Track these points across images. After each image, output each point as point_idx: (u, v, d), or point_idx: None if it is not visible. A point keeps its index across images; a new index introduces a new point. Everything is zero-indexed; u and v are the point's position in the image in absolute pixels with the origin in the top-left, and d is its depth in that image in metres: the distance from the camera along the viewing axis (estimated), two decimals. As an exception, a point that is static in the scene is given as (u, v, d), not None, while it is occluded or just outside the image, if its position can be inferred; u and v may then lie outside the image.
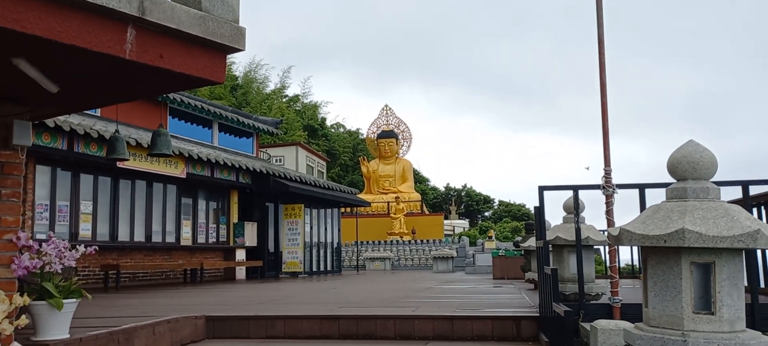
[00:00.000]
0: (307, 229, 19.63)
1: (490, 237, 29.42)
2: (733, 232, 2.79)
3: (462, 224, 47.43)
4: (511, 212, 54.68)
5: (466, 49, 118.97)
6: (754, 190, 6.85)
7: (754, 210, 8.24)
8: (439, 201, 56.02)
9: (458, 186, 61.45)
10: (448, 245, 30.20)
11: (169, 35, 3.17)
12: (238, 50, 3.52)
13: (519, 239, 18.74)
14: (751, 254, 6.40)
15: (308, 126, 43.75)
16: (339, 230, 22.59)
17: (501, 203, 59.70)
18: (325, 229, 21.38)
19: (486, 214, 59.84)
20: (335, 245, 22.15)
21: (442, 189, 60.53)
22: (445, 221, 40.30)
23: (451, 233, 41.02)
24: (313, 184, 20.18)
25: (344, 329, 6.41)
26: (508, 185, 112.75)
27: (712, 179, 3.13)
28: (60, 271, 4.55)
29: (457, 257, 25.07)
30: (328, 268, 21.35)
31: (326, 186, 21.35)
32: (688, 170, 3.05)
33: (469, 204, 59.64)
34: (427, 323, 6.32)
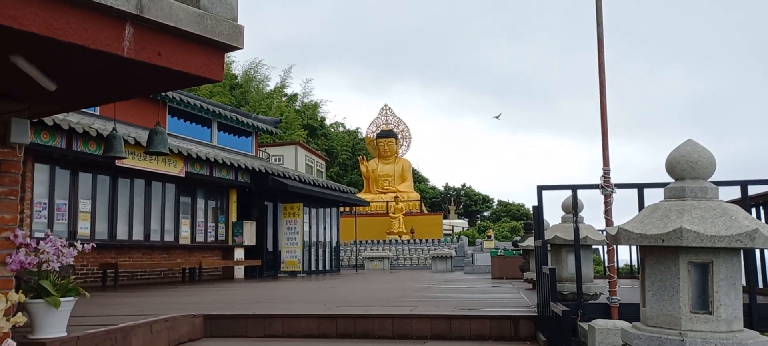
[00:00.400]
0: (306, 228, 19.62)
1: (489, 237, 29.42)
2: (731, 231, 2.79)
3: (461, 224, 47.47)
4: (510, 211, 54.68)
5: (465, 49, 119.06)
6: (753, 190, 6.84)
7: (753, 210, 8.23)
8: (438, 201, 56.03)
9: (457, 186, 61.51)
10: (447, 244, 30.20)
11: (167, 33, 3.16)
12: (236, 48, 3.51)
13: (517, 238, 18.74)
14: (749, 254, 6.40)
15: (308, 125, 43.74)
16: (338, 230, 22.57)
17: (500, 202, 59.70)
18: (324, 228, 21.35)
19: (485, 214, 59.86)
20: (334, 245, 22.13)
21: (441, 189, 60.54)
22: (444, 221, 40.29)
23: (450, 232, 41.05)
24: (312, 183, 20.17)
25: (342, 328, 6.40)
26: (507, 185, 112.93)
27: (710, 179, 3.13)
28: (57, 269, 4.54)
29: (455, 257, 25.06)
30: (327, 267, 21.34)
31: (325, 185, 21.34)
32: (687, 170, 3.05)
33: (468, 204, 59.66)
34: (424, 323, 6.32)
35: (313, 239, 20.38)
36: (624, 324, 3.64)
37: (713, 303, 2.90)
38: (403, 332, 6.30)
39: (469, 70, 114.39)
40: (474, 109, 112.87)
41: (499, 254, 18.44)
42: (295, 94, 48.05)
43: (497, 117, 46.68)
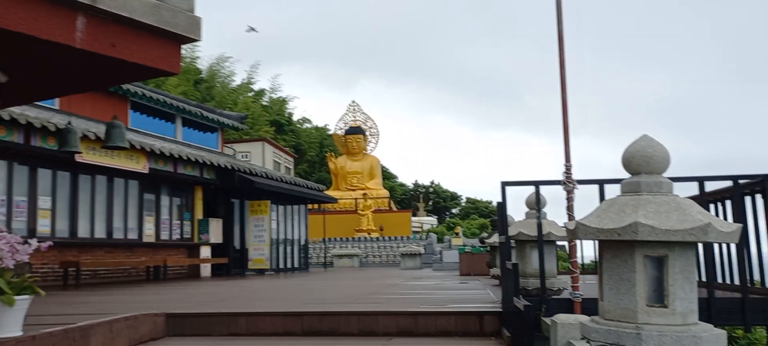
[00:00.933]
0: (274, 226, 19.46)
1: (457, 234, 29.60)
2: (685, 225, 2.83)
3: (430, 221, 47.65)
4: (479, 209, 55.13)
5: (435, 47, 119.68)
6: (711, 186, 7.00)
7: (712, 206, 8.40)
8: (408, 198, 56.18)
9: (426, 183, 61.76)
10: (416, 241, 30.28)
11: (121, 24, 3.09)
12: (193, 40, 3.45)
13: (485, 235, 18.88)
14: (708, 249, 6.55)
15: (275, 121, 43.40)
16: (306, 227, 22.46)
17: (468, 200, 60.16)
18: (292, 226, 21.23)
19: (454, 211, 60.24)
20: (302, 242, 22.02)
21: (411, 186, 60.71)
22: (413, 218, 40.39)
23: (419, 229, 41.17)
24: (279, 180, 20.02)
25: (307, 326, 6.35)
26: (476, 182, 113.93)
27: (665, 174, 3.17)
28: (12, 266, 4.41)
29: (424, 254, 25.13)
30: (295, 265, 21.22)
31: (293, 182, 21.21)
32: (642, 165, 3.09)
33: (437, 201, 59.94)
34: (390, 319, 6.31)
35: (281, 236, 20.25)
36: (584, 318, 3.68)
37: (668, 297, 2.94)
38: (369, 329, 6.28)
39: (439, 67, 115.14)
40: (443, 106, 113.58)
41: (466, 250, 18.57)
42: (263, 90, 47.68)
43: (251, 29, 46.30)
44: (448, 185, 74.18)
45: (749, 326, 6.48)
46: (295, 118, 49.72)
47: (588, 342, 3.16)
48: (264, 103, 45.68)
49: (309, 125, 51.68)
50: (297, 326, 6.35)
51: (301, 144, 46.11)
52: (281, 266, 20.09)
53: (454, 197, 61.55)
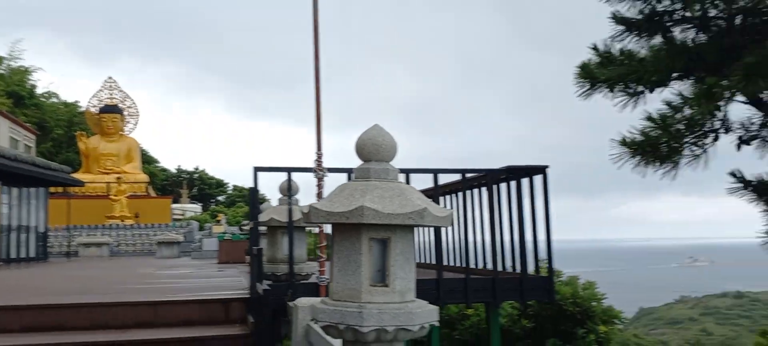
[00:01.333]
0: (5, 210, 17.07)
1: (219, 221, 28.89)
2: (405, 209, 3.03)
3: (194, 208, 45.94)
4: (245, 196, 54.41)
5: (205, 27, 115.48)
6: (445, 179, 7.70)
7: (448, 197, 9.27)
8: (170, 184, 53.33)
9: (191, 169, 59.26)
10: (175, 229, 28.87)
11: None
12: None
13: (245, 222, 18.69)
14: (438, 235, 7.20)
15: (13, 93, 38.08)
16: (45, 213, 20.07)
17: (235, 187, 59.05)
18: (28, 211, 18.80)
19: (220, 198, 58.72)
20: (41, 229, 19.64)
21: (174, 171, 57.75)
22: (176, 205, 38.51)
23: (182, 217, 39.40)
24: (13, 158, 17.56)
25: (28, 321, 5.64)
26: (244, 170, 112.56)
27: (393, 162, 3.36)
28: None
29: (184, 242, 24.09)
30: (31, 255, 18.84)
31: (31, 162, 18.79)
32: (372, 152, 3.23)
33: (203, 188, 57.90)
34: (127, 311, 5.88)
35: (14, 222, 17.82)
36: (317, 301, 3.76)
37: (390, 276, 3.12)
38: (101, 322, 5.77)
39: (208, 49, 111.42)
40: (212, 90, 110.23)
41: (226, 238, 18.19)
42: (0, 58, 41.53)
43: None
44: (216, 172, 72.15)
45: (470, 302, 7.28)
46: (38, 91, 44.12)
47: (316, 323, 3.24)
48: (0, 71, 39.79)
49: (56, 100, 46.27)
50: (14, 323, 5.60)
51: (45, 120, 41.08)
52: (13, 255, 17.69)
53: (220, 185, 59.99)
